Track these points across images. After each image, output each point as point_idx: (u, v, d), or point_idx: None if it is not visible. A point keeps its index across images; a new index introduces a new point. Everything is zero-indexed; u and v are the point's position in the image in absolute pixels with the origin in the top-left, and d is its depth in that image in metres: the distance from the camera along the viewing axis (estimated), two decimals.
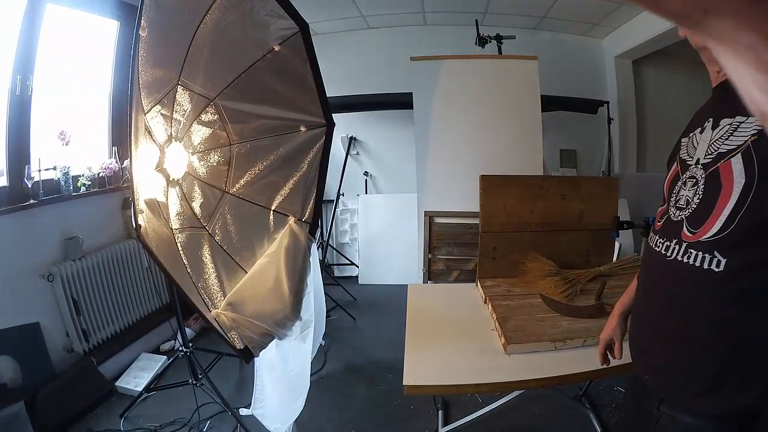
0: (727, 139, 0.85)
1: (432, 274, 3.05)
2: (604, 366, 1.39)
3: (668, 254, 0.94)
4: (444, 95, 3.08)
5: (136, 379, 2.76)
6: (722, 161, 0.84)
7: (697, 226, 0.87)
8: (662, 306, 0.98)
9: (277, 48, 1.93)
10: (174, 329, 2.55)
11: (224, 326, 1.73)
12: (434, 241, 3.04)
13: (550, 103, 3.70)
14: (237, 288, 1.90)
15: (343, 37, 4.85)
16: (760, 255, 0.80)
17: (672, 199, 0.98)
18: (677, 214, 0.95)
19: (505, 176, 2.34)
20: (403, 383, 1.46)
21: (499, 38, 3.58)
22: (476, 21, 3.71)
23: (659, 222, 1.03)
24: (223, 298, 1.84)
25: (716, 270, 0.83)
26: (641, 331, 1.07)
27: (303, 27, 1.92)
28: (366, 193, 5.01)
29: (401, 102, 3.58)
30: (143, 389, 2.57)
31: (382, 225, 4.69)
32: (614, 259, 2.46)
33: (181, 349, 2.47)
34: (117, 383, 2.71)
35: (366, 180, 5.06)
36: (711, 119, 0.92)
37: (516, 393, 2.05)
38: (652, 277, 1.03)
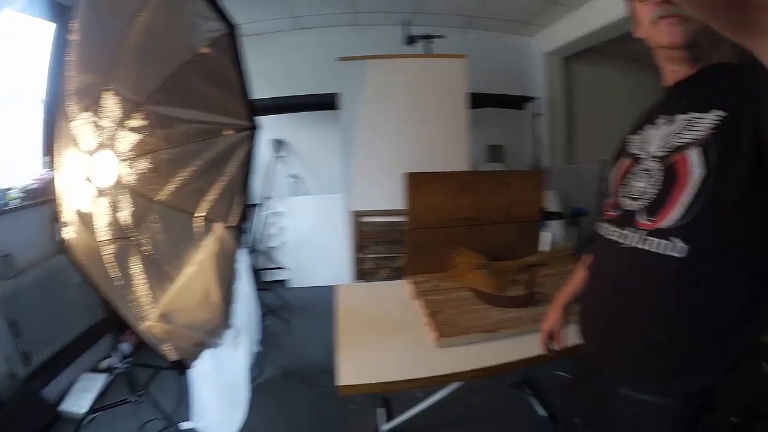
0: (683, 133, 0.89)
1: (361, 273, 3.06)
2: (542, 354, 1.42)
3: (624, 242, 0.97)
4: (371, 95, 3.09)
5: (80, 401, 2.61)
6: (678, 154, 0.87)
7: (655, 214, 0.91)
8: (621, 293, 0.99)
9: (205, 50, 1.87)
10: (111, 345, 2.45)
11: (158, 338, 1.67)
12: (362, 241, 3.05)
13: (477, 101, 3.75)
14: (168, 299, 1.84)
15: (274, 38, 4.79)
16: (720, 241, 0.84)
17: (624, 190, 1.01)
18: (631, 204, 0.98)
19: (430, 173, 2.34)
20: (337, 384, 1.45)
21: (428, 37, 3.61)
22: (405, 20, 3.73)
23: (611, 212, 1.06)
24: (155, 310, 1.78)
25: (678, 256, 0.86)
26: (597, 318, 1.09)
27: (231, 28, 1.87)
28: (293, 195, 4.93)
29: (329, 103, 3.55)
30: (87, 411, 2.47)
31: (311, 227, 4.63)
32: (544, 249, 2.53)
33: (118, 365, 2.40)
34: (61, 407, 2.57)
35: (293, 182, 5.00)
36: (666, 116, 0.96)
37: (454, 385, 2.03)
38: (608, 266, 1.05)
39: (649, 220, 0.91)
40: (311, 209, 4.66)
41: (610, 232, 1.03)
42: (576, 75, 5.51)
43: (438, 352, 1.60)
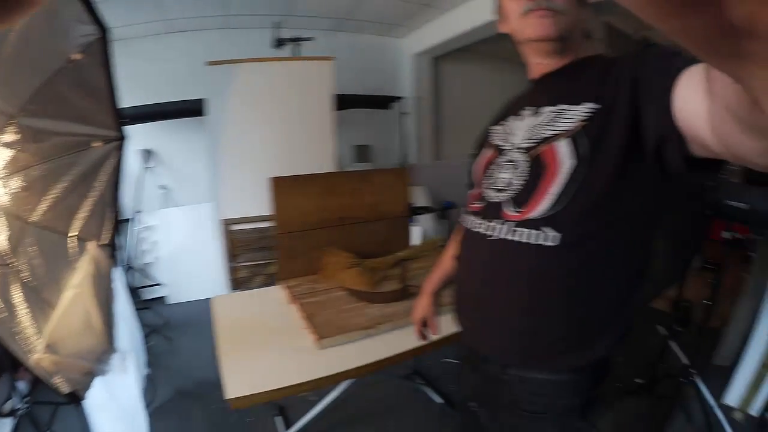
0: (550, 124, 0.89)
1: (236, 282, 3.01)
2: (423, 343, 1.46)
3: (492, 234, 0.95)
4: (238, 99, 3.05)
5: None
6: (546, 145, 0.88)
7: (522, 205, 0.90)
8: (493, 285, 0.98)
9: (76, 56, 1.76)
10: (9, 385, 2.29)
11: (48, 371, 1.57)
12: (234, 249, 3.01)
13: (344, 102, 3.82)
14: (52, 327, 1.72)
15: (146, 42, 4.48)
16: (592, 228, 0.85)
17: (488, 182, 1.01)
18: (497, 195, 0.96)
19: (295, 176, 2.33)
20: (226, 397, 1.42)
21: (296, 40, 3.59)
22: (275, 23, 3.70)
23: (475, 204, 1.04)
24: (41, 341, 1.66)
25: (550, 245, 0.86)
26: (474, 310, 1.06)
27: (103, 32, 1.77)
28: (164, 207, 4.67)
29: (198, 109, 3.43)
30: None
31: (184, 239, 4.43)
32: (416, 243, 2.62)
33: (19, 406, 2.23)
34: None
35: (163, 193, 4.76)
36: (531, 107, 0.96)
37: (344, 384, 2.06)
38: (477, 259, 1.02)
39: (517, 211, 0.91)
40: (183, 221, 4.46)
41: (476, 224, 1.01)
42: (445, 74, 5.74)
43: (321, 353, 1.61)
